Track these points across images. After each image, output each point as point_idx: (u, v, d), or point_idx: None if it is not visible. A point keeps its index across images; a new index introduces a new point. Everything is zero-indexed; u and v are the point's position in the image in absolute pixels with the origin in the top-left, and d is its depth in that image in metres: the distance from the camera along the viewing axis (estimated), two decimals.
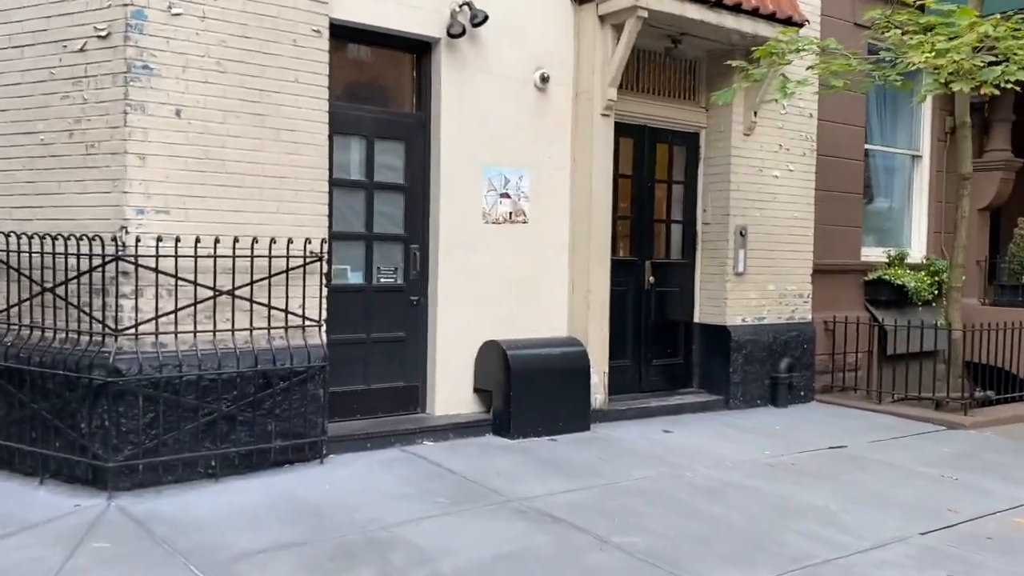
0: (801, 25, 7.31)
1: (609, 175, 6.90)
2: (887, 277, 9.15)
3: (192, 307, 4.97)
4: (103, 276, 4.80)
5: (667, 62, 7.67)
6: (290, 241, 5.29)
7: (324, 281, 5.50)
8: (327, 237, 5.53)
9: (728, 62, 6.81)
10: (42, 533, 4.12)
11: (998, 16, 6.01)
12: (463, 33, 6.17)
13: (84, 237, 4.80)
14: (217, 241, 5.01)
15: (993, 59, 5.90)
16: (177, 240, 4.89)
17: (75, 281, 4.86)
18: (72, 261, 4.86)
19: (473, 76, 6.33)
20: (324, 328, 5.50)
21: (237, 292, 5.11)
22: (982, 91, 6.03)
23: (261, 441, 5.17)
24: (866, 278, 9.28)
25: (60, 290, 4.92)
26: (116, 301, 4.79)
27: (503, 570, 3.90)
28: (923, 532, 4.64)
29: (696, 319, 7.96)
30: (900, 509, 5.03)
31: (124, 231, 4.78)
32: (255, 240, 5.14)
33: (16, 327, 5.08)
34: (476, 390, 6.42)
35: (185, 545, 4.02)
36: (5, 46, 5.13)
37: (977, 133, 9.80)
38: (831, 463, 6.07)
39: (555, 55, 6.76)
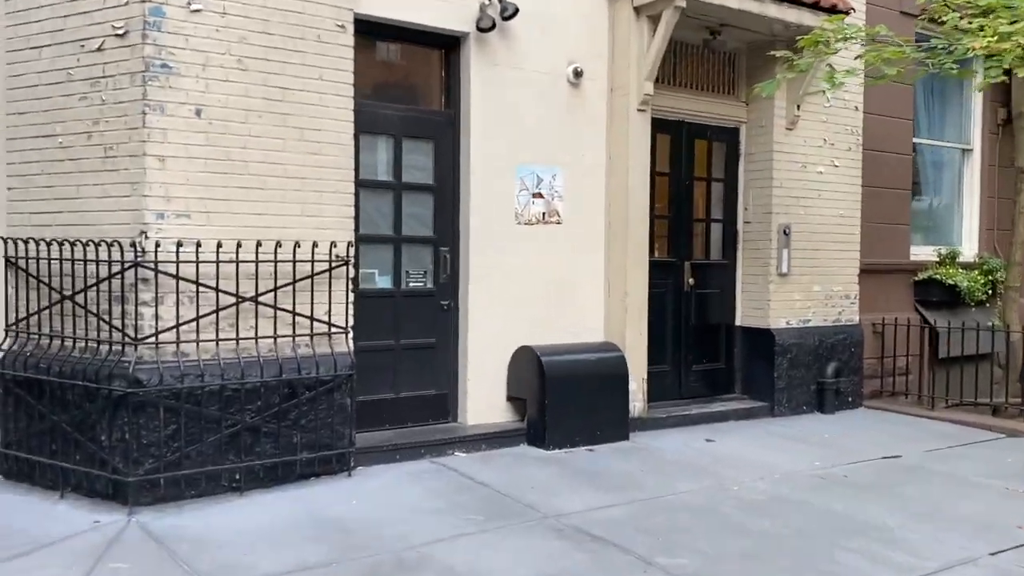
0: (847, 13, 6.96)
1: (646, 173, 6.61)
2: (938, 277, 8.73)
3: (214, 314, 4.79)
4: (122, 283, 4.63)
5: (705, 54, 7.37)
6: (315, 245, 5.09)
7: (350, 286, 5.30)
8: (353, 240, 5.32)
9: (771, 53, 6.49)
10: (59, 552, 3.94)
11: None
12: (493, 27, 5.93)
13: (103, 243, 4.64)
14: (239, 246, 4.83)
15: None
16: (198, 245, 4.71)
17: (94, 288, 4.70)
18: (91, 268, 4.70)
19: (504, 72, 6.09)
20: (351, 335, 5.29)
21: (260, 299, 4.92)
22: None
23: (286, 453, 4.97)
24: (916, 278, 8.87)
25: (79, 298, 4.76)
26: (136, 309, 4.62)
27: None
28: (993, 552, 4.30)
29: (738, 322, 7.64)
30: (965, 526, 4.69)
31: (144, 236, 4.61)
32: (278, 244, 4.95)
33: (36, 336, 4.93)
34: (509, 398, 6.18)
35: (206, 566, 3.82)
36: (23, 47, 4.99)
37: None
38: (886, 474, 5.73)
39: (589, 49, 6.49)
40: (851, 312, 7.94)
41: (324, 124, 5.19)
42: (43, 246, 4.87)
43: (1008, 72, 5.83)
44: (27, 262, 4.94)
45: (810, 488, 5.32)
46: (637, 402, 6.52)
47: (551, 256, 6.34)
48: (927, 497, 5.22)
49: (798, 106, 7.35)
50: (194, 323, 4.72)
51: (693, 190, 7.44)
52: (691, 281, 7.34)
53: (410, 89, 6.24)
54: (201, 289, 4.73)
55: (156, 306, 4.63)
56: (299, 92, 5.08)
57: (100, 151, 4.74)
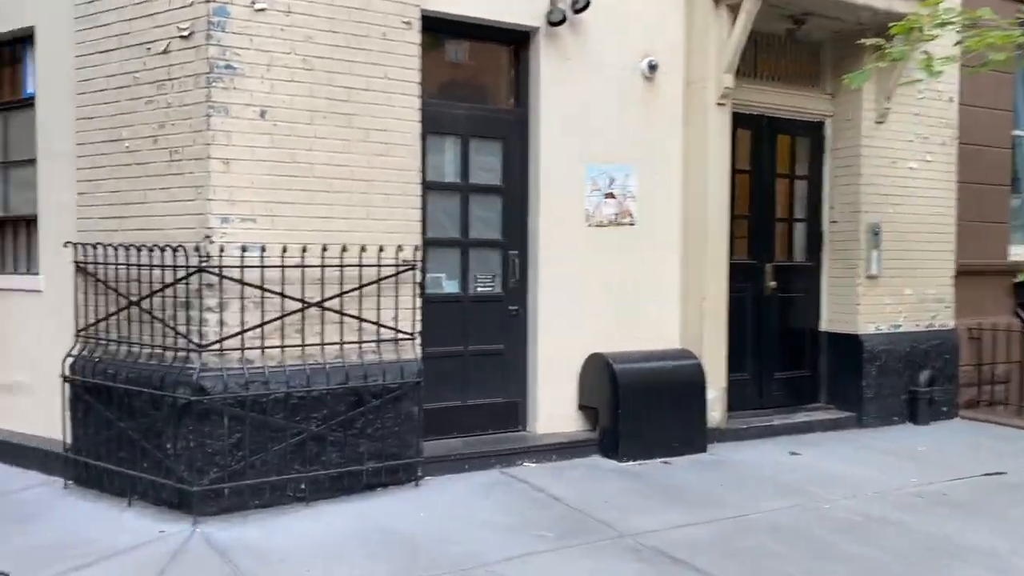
0: None
1: (725, 170, 6.28)
2: None
3: (279, 320, 4.68)
4: (187, 288, 4.55)
5: (788, 45, 6.99)
6: (381, 249, 4.94)
7: (417, 291, 5.13)
8: (420, 244, 5.15)
9: (860, 42, 6.08)
10: (123, 563, 3.87)
11: None
12: (563, 21, 5.70)
13: (168, 247, 4.57)
14: (304, 250, 4.71)
15: None
16: (263, 249, 4.60)
17: (160, 294, 4.64)
18: (157, 273, 4.64)
19: (575, 67, 5.85)
20: (418, 341, 5.13)
21: (326, 304, 4.79)
22: None
23: (352, 463, 4.83)
24: (1015, 280, 8.26)
25: (146, 303, 4.71)
26: (200, 314, 4.54)
27: None
28: None
29: (823, 327, 7.23)
30: None
31: (208, 240, 4.52)
32: (344, 248, 4.81)
33: (104, 342, 4.90)
34: (581, 407, 5.93)
35: None
36: (91, 51, 4.97)
37: None
38: (990, 493, 5.29)
39: (664, 41, 6.20)
40: (945, 316, 7.44)
41: (390, 124, 5.04)
42: (111, 251, 4.84)
43: None
44: (95, 267, 4.91)
45: (907, 507, 4.93)
46: (715, 412, 6.20)
47: (623, 259, 6.07)
48: None
49: (888, 98, 6.91)
50: (259, 329, 4.62)
51: (775, 188, 7.07)
52: (773, 284, 6.96)
53: (478, 87, 6.05)
54: (266, 294, 4.63)
55: (221, 312, 4.54)
56: (364, 92, 4.94)
57: (165, 155, 4.67)
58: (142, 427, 4.64)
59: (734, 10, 6.09)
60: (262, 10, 4.63)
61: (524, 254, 5.87)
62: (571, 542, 4.23)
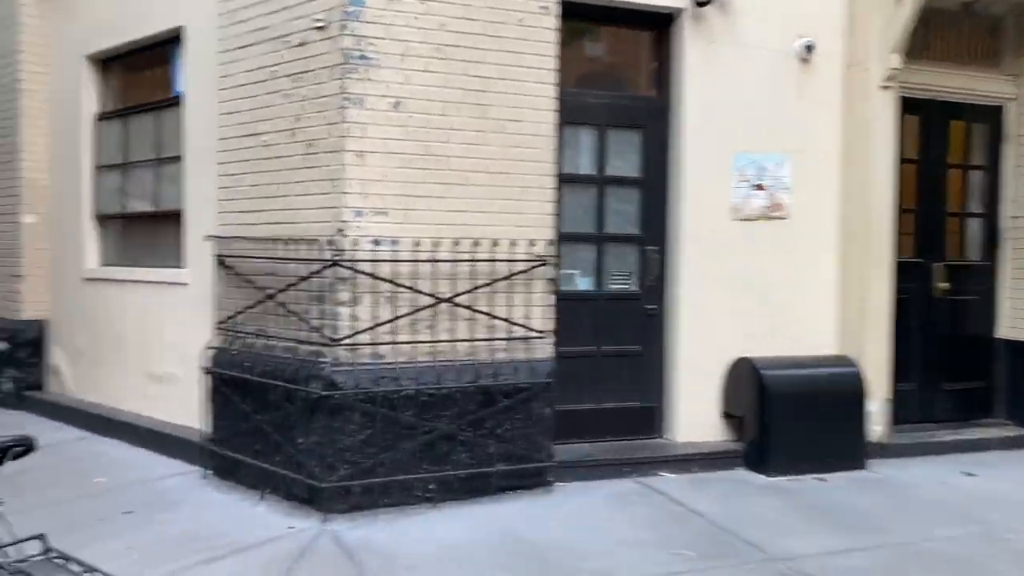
0: None
1: (890, 159, 5.70)
2: None
3: (410, 316, 4.56)
4: (320, 282, 4.51)
5: (963, 21, 6.30)
6: (513, 243, 4.74)
7: (550, 288, 4.90)
8: (554, 238, 4.92)
9: None
10: (250, 559, 3.84)
11: None
12: (711, 1, 5.32)
13: (302, 241, 4.55)
14: (436, 244, 4.57)
15: None
16: (395, 243, 4.50)
17: (295, 287, 4.62)
18: (291, 267, 4.63)
19: (722, 50, 5.45)
20: (550, 340, 4.90)
21: (457, 300, 4.64)
22: None
23: (482, 464, 4.66)
24: None
25: (282, 297, 4.70)
26: (333, 309, 4.48)
27: None
28: None
29: (1000, 334, 6.47)
30: None
31: (341, 234, 4.46)
32: (476, 243, 4.65)
33: (242, 335, 4.95)
34: (725, 415, 5.53)
35: None
36: (233, 47, 5.03)
37: None
38: None
39: (821, 20, 5.69)
40: None
41: (525, 115, 4.83)
42: (249, 245, 4.88)
43: None
44: (234, 261, 4.97)
45: None
46: (876, 425, 5.64)
47: (774, 255, 5.61)
48: None
49: None
50: (390, 324, 4.52)
51: (946, 179, 6.38)
52: (944, 285, 6.28)
53: (616, 74, 5.76)
54: (398, 289, 4.53)
55: (353, 306, 4.47)
56: (499, 81, 4.76)
57: (301, 148, 4.65)
58: (276, 420, 4.64)
59: None
60: None
61: (663, 250, 5.53)
62: (715, 563, 3.88)
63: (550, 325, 4.89)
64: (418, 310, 4.57)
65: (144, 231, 6.32)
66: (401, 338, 4.55)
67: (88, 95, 6.58)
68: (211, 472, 5.02)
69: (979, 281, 6.46)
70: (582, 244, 5.40)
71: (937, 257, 6.30)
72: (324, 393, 4.37)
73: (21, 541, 2.04)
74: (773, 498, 4.85)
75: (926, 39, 6.17)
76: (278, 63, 4.76)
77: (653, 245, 5.52)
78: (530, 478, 4.80)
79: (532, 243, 4.79)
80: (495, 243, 4.70)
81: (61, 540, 3.95)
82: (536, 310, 4.85)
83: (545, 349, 4.87)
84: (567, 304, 5.23)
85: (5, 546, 2.03)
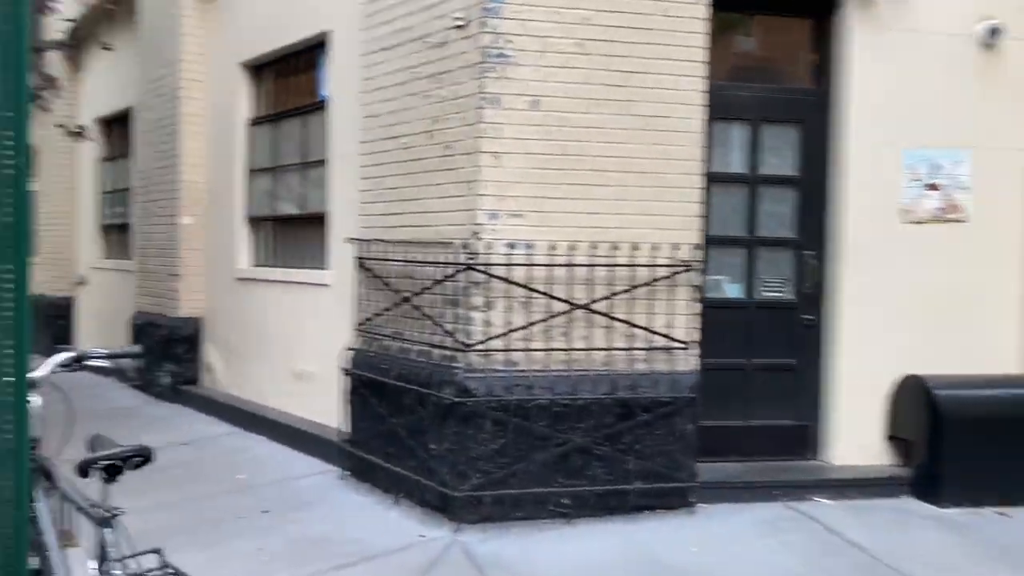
0: None
1: None
2: None
3: (545, 322, 4.39)
4: (455, 286, 4.41)
5: None
6: (655, 247, 4.47)
7: (695, 295, 4.60)
8: (700, 242, 4.61)
9: None
10: (381, 567, 3.78)
11: None
12: None
13: (437, 244, 4.47)
14: (573, 248, 4.38)
15: None
16: (530, 247, 4.34)
17: (430, 291, 4.55)
18: (427, 270, 4.56)
19: (891, 37, 4.96)
20: (694, 351, 4.60)
21: (594, 306, 4.42)
22: None
23: (619, 481, 4.42)
24: None
25: (417, 300, 4.65)
26: (467, 313, 4.37)
27: None
28: None
29: None
30: None
31: (476, 237, 4.34)
32: (615, 247, 4.42)
33: (379, 337, 4.93)
34: (890, 437, 5.02)
35: None
36: (375, 49, 5.04)
37: None
38: None
39: (1007, 0, 5.08)
40: None
41: (670, 110, 4.56)
42: (386, 247, 4.86)
43: None
44: (373, 263, 4.97)
45: None
46: None
47: (948, 262, 5.05)
48: None
49: None
50: (524, 331, 4.36)
51: None
52: None
53: (771, 66, 5.36)
54: (532, 295, 4.36)
55: (487, 311, 4.35)
56: (643, 75, 4.51)
57: (439, 150, 4.58)
58: (409, 425, 4.58)
59: None
60: None
61: (822, 255, 5.09)
62: None
63: (694, 335, 4.59)
64: (553, 316, 4.39)
65: (291, 233, 6.48)
66: (535, 345, 4.38)
67: (242, 101, 6.83)
68: (348, 473, 5.04)
69: None
70: (731, 248, 5.05)
71: None
72: (456, 399, 4.26)
73: (139, 555, 2.01)
74: (944, 532, 4.34)
75: None
76: (418, 64, 4.71)
77: (811, 250, 5.10)
78: (670, 498, 4.52)
79: (676, 247, 4.51)
80: (635, 247, 4.45)
81: (199, 536, 4.07)
82: (679, 319, 4.56)
83: (688, 361, 4.58)
84: (713, 312, 4.89)
85: (124, 559, 2.00)
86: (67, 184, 10.14)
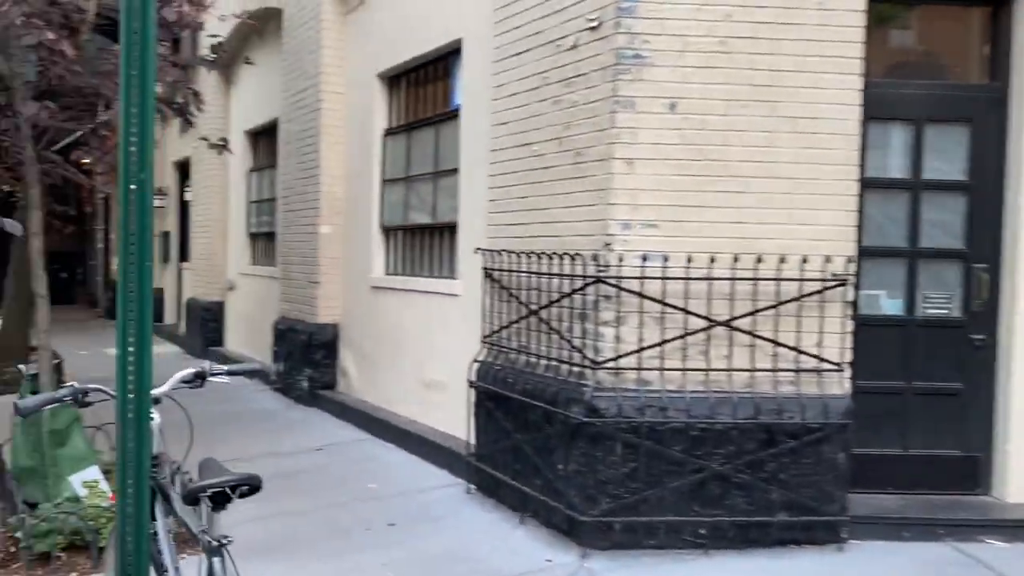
0: None
1: None
2: None
3: (681, 339, 4.12)
4: (584, 299, 4.22)
5: None
6: (804, 260, 4.12)
7: (849, 311, 4.21)
8: (854, 254, 4.22)
9: None
10: None
11: None
12: None
13: (566, 255, 4.29)
14: (712, 260, 4.09)
15: None
16: (665, 259, 4.09)
17: (558, 304, 4.39)
18: (554, 282, 4.40)
19: None
20: (847, 373, 4.20)
21: (735, 323, 4.12)
22: None
23: (760, 512, 4.10)
24: None
25: (544, 313, 4.49)
26: (596, 328, 4.17)
27: None
28: None
29: None
30: None
31: (607, 248, 4.14)
32: (759, 259, 4.10)
33: (506, 350, 4.81)
34: None
35: None
36: (507, 55, 4.93)
37: None
38: None
39: None
40: None
41: (822, 111, 4.20)
42: (514, 258, 4.73)
43: None
44: (500, 274, 4.85)
45: None
46: None
47: None
48: None
49: None
50: (658, 348, 4.12)
51: None
52: None
53: (936, 60, 4.86)
54: (667, 310, 4.11)
55: (617, 326, 4.13)
56: (792, 74, 4.17)
57: (569, 157, 4.41)
58: (536, 442, 4.43)
59: None
60: None
61: (997, 268, 4.55)
62: None
63: (847, 355, 4.20)
64: (690, 333, 4.12)
65: (423, 242, 6.48)
66: (670, 364, 4.12)
67: (378, 111, 6.91)
68: (474, 487, 4.94)
69: None
70: (889, 260, 4.60)
71: None
72: (585, 419, 4.07)
73: None
74: None
75: None
76: (549, 69, 4.56)
77: (982, 262, 4.57)
78: (818, 532, 4.15)
79: (827, 259, 4.14)
80: (782, 259, 4.11)
81: (324, 547, 4.06)
82: (830, 337, 4.18)
83: (840, 383, 4.19)
84: (868, 331, 4.47)
85: None
86: (219, 194, 10.68)
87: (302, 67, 7.68)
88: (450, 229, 5.96)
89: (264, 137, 9.72)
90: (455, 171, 5.83)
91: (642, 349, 4.10)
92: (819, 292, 4.14)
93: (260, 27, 8.95)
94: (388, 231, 6.90)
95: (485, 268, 4.97)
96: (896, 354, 4.58)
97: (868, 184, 4.46)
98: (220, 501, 2.11)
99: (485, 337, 4.98)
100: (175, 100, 5.15)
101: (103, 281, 17.76)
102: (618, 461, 4.07)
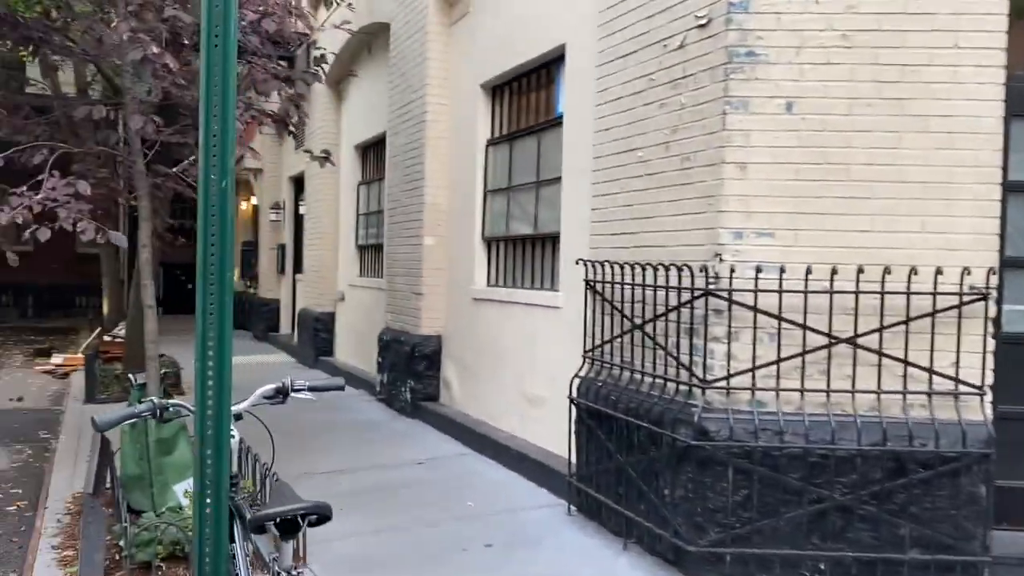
0: None
1: None
2: None
3: (799, 358, 3.81)
4: (691, 313, 3.97)
5: None
6: (938, 272, 3.74)
7: (990, 328, 3.79)
8: (996, 266, 3.80)
9: None
10: None
11: None
12: None
13: (672, 267, 4.06)
14: (834, 272, 3.77)
15: None
16: (781, 271, 3.80)
17: (663, 318, 4.15)
18: (659, 295, 4.16)
19: None
20: (988, 397, 3.79)
21: (859, 340, 3.78)
22: None
23: (889, 548, 3.73)
24: None
25: (648, 327, 4.26)
26: (705, 344, 3.91)
27: None
28: None
29: None
30: None
31: (717, 259, 3.88)
32: (887, 271, 3.75)
33: (608, 365, 4.60)
34: None
35: None
36: (610, 59, 4.74)
37: None
38: None
39: None
40: None
41: (957, 108, 3.82)
42: (617, 269, 4.52)
43: None
44: (603, 286, 4.65)
45: None
46: None
47: None
48: None
49: None
50: (774, 367, 3.82)
51: None
52: None
53: None
54: (784, 325, 3.81)
55: (729, 343, 3.86)
56: (922, 68, 3.81)
57: (676, 162, 4.17)
58: (639, 465, 4.20)
59: None
60: None
61: None
62: None
63: (988, 377, 3.79)
64: (809, 351, 3.80)
65: (525, 253, 6.35)
66: (787, 384, 3.82)
67: (481, 122, 6.83)
68: (575, 509, 4.75)
69: None
70: None
71: None
72: (693, 442, 3.81)
73: None
74: None
75: None
76: (655, 71, 4.35)
77: None
78: (955, 572, 3.74)
79: (965, 271, 3.75)
80: (913, 271, 3.75)
81: (419, 568, 3.95)
82: (969, 357, 3.78)
83: (981, 408, 3.78)
84: (1012, 350, 4.04)
85: None
86: (331, 207, 10.90)
87: (408, 80, 7.71)
88: (552, 240, 5.80)
89: (373, 150, 9.85)
90: (557, 180, 5.67)
91: (756, 367, 3.82)
92: (956, 307, 3.75)
93: (369, 42, 9.09)
94: (490, 242, 6.81)
95: (587, 280, 4.78)
96: None
97: (1012, 188, 4.03)
98: (289, 530, 2.01)
99: (587, 351, 4.79)
100: (278, 114, 5.21)
101: None
102: (729, 488, 3.79)
